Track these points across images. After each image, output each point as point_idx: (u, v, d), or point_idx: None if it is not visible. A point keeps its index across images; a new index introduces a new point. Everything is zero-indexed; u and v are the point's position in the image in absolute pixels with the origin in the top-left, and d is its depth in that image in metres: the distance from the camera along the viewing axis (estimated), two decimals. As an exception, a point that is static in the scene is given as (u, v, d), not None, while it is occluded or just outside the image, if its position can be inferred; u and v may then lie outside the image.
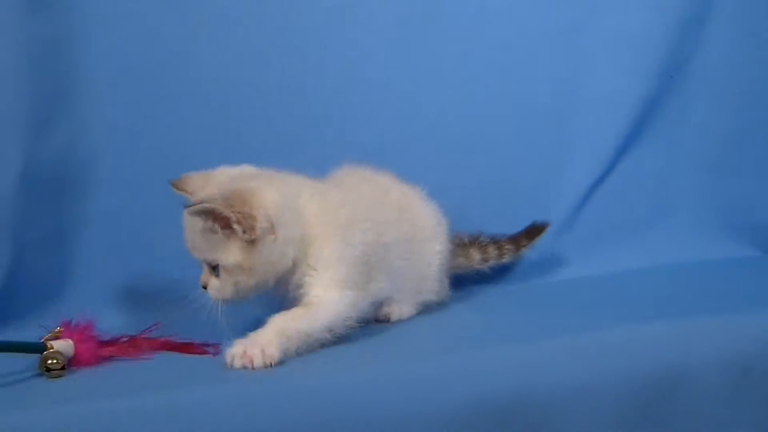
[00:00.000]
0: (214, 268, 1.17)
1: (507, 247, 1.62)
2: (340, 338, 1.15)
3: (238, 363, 1.03)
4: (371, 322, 1.28)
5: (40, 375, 1.05)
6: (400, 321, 1.33)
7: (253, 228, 1.11)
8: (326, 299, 1.15)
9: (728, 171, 1.94)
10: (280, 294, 1.21)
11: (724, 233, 1.92)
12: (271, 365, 1.03)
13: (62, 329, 1.14)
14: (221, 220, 1.11)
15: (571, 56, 1.83)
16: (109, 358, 1.14)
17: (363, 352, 1.12)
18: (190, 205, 1.13)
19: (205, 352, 1.17)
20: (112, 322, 1.40)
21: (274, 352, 1.04)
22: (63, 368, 1.06)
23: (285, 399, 0.91)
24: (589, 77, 1.84)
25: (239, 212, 1.10)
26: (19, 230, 1.43)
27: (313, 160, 1.35)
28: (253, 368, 1.03)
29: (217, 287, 1.17)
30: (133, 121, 1.53)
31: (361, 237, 1.20)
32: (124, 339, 1.19)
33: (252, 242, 1.12)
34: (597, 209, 1.84)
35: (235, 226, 1.11)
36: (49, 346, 1.08)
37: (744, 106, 1.94)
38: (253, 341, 1.06)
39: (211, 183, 1.19)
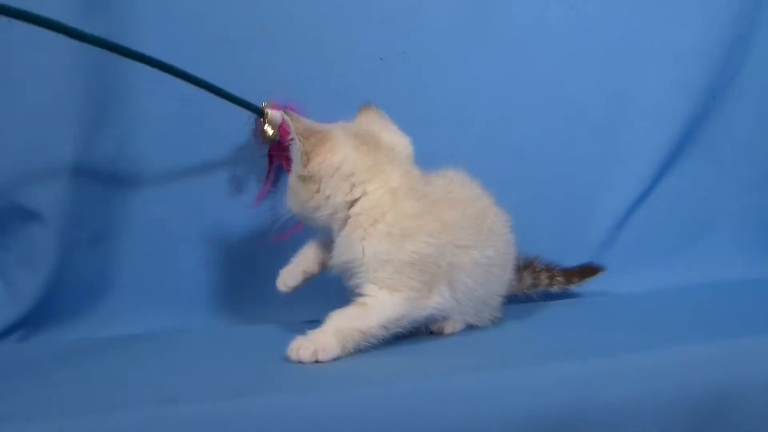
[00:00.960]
0: None
1: (558, 278, 1.62)
2: (398, 341, 1.18)
3: (294, 356, 1.09)
4: (423, 332, 1.29)
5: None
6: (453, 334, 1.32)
7: (305, 166, 1.19)
8: (379, 300, 1.17)
9: (769, 191, 1.95)
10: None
11: (765, 252, 1.92)
12: (323, 361, 1.09)
13: (273, 103, 1.40)
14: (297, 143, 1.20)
15: (621, 71, 1.84)
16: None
17: (418, 363, 1.13)
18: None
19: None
20: (155, 322, 1.48)
21: (330, 350, 1.10)
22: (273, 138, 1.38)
23: (340, 408, 0.92)
24: (638, 93, 1.85)
25: (305, 146, 1.19)
26: (68, 230, 1.45)
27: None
28: (315, 361, 1.08)
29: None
30: (183, 125, 1.54)
31: (418, 247, 1.18)
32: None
33: (301, 177, 1.21)
34: (640, 224, 1.85)
35: (299, 153, 1.20)
36: (266, 111, 1.38)
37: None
38: (311, 339, 1.11)
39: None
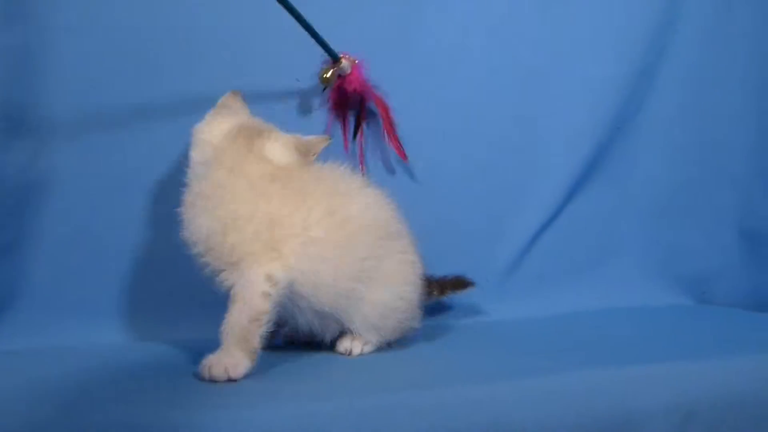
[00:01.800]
0: None
1: (434, 291, 1.57)
2: (307, 363, 1.21)
3: (206, 375, 1.10)
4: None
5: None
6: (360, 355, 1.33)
7: None
8: (242, 286, 1.19)
9: (671, 219, 2.03)
10: None
11: (663, 280, 2.00)
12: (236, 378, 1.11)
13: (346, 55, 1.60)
14: None
15: (535, 98, 1.89)
16: (365, 90, 1.64)
17: (324, 384, 1.14)
18: None
19: (399, 150, 1.68)
20: (63, 336, 1.44)
21: (240, 365, 1.12)
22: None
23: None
24: (549, 120, 1.89)
25: None
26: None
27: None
28: (228, 379, 1.10)
29: None
30: (97, 137, 1.53)
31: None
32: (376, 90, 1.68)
33: None
34: (546, 249, 1.88)
35: None
36: (341, 58, 1.59)
37: (690, 157, 2.03)
38: (219, 357, 1.13)
39: None
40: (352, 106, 1.69)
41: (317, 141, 1.38)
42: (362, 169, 1.69)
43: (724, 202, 2.04)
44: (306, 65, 1.64)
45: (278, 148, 1.32)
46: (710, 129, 2.04)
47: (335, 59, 1.59)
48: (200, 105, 1.44)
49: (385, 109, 1.69)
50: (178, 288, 1.45)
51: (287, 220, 1.23)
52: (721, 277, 2.02)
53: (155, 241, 1.55)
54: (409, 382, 1.13)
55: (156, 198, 1.55)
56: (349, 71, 1.62)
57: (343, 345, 1.33)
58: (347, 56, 1.61)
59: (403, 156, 1.72)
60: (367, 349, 1.34)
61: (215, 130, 1.34)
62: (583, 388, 1.09)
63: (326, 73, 1.61)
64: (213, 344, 1.14)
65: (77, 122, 1.51)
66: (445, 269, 1.61)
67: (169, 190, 1.48)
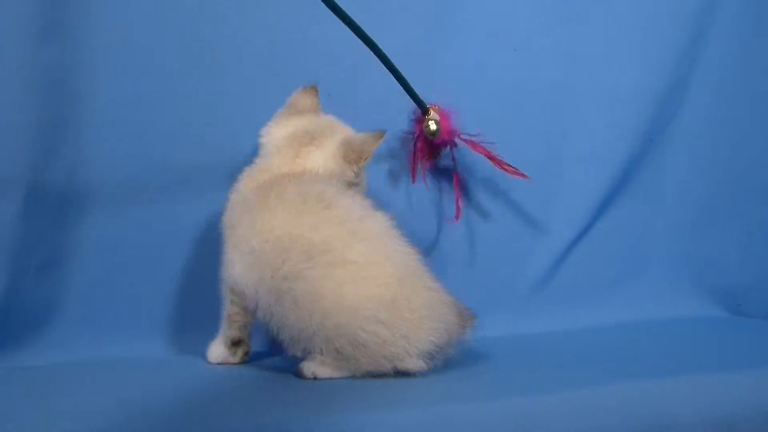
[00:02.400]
0: None
1: None
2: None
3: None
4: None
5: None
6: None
7: None
8: None
9: (703, 232, 2.01)
10: None
11: (696, 292, 1.98)
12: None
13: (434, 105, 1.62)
14: None
15: (561, 113, 1.88)
16: (456, 137, 1.66)
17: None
18: None
19: (520, 174, 1.67)
20: (103, 350, 1.45)
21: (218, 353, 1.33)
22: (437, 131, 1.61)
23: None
24: (577, 134, 1.89)
25: None
26: (17, 256, 1.44)
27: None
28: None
29: None
30: (134, 153, 1.55)
31: None
32: (465, 135, 1.67)
33: None
34: (577, 263, 1.88)
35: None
36: (431, 110, 1.61)
37: (722, 170, 2.01)
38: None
39: None
40: (437, 153, 1.70)
41: (370, 140, 1.35)
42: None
43: (757, 215, 2.02)
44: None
45: (320, 157, 1.31)
46: (742, 142, 2.02)
47: (425, 111, 1.60)
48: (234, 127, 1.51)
49: (484, 150, 1.68)
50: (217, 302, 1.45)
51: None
52: (756, 290, 1.99)
53: (194, 257, 1.57)
54: (442, 396, 1.14)
55: (195, 212, 1.57)
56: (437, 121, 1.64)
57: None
58: (436, 106, 1.63)
59: (523, 175, 1.71)
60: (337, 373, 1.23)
61: (275, 132, 1.37)
62: (620, 399, 1.09)
63: (429, 125, 1.63)
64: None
65: (115, 138, 1.53)
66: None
67: (209, 203, 1.52)
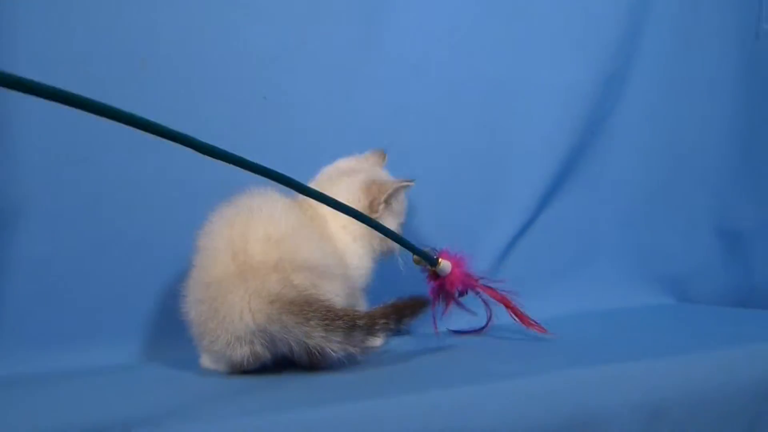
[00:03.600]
0: None
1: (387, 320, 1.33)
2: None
3: None
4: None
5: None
6: None
7: None
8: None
9: (649, 221, 2.06)
10: None
11: (642, 282, 2.02)
12: None
13: (444, 253, 1.45)
14: None
15: (503, 109, 1.90)
16: (470, 287, 1.48)
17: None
18: None
19: (539, 328, 1.47)
20: (35, 366, 1.42)
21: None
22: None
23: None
24: (520, 129, 1.91)
25: None
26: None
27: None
28: None
29: None
30: (66, 167, 1.52)
31: None
32: (483, 280, 1.50)
33: None
34: (522, 255, 1.90)
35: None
36: (440, 261, 1.42)
37: (664, 160, 2.06)
38: None
39: None
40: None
41: (394, 182, 1.46)
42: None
43: (700, 203, 2.06)
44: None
45: (347, 185, 1.45)
46: (683, 131, 2.06)
47: (433, 264, 1.45)
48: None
49: (504, 299, 1.52)
50: (157, 309, 1.44)
51: None
52: (700, 277, 2.04)
53: (128, 264, 1.55)
54: (375, 387, 1.14)
55: (131, 220, 1.55)
56: (448, 271, 1.46)
57: None
58: (446, 254, 1.47)
59: (544, 330, 1.52)
60: None
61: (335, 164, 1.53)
62: (549, 389, 1.10)
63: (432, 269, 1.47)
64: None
65: (49, 147, 1.51)
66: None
67: (143, 210, 1.54)
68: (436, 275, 1.46)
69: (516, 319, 1.49)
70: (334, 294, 1.25)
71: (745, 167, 2.03)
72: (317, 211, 1.40)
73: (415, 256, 1.43)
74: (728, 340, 1.39)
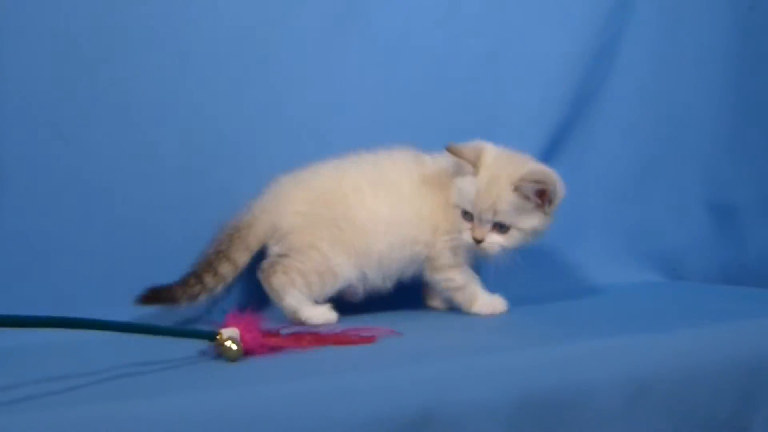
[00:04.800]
0: (501, 227, 1.41)
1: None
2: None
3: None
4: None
5: (218, 358, 1.14)
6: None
7: (555, 204, 1.42)
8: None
9: (638, 198, 2.03)
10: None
11: (631, 259, 2.00)
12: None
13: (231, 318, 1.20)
14: (543, 194, 1.39)
15: (488, 83, 1.87)
16: (274, 348, 1.19)
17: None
18: (531, 180, 1.38)
19: (364, 341, 1.24)
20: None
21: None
22: (239, 351, 1.13)
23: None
24: (506, 104, 1.88)
25: (552, 190, 1.39)
26: None
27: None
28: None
29: (502, 241, 1.42)
30: (46, 140, 1.50)
31: None
32: (288, 331, 1.26)
33: (547, 215, 1.42)
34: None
35: (546, 201, 1.40)
36: (220, 333, 1.14)
37: (653, 135, 2.03)
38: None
39: (502, 158, 1.45)
40: None
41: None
42: None
43: (691, 177, 2.04)
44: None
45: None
46: (673, 105, 2.04)
47: (212, 340, 1.16)
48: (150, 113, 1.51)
49: (315, 340, 1.26)
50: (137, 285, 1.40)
51: None
52: (691, 253, 2.03)
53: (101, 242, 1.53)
54: (354, 364, 1.11)
55: (103, 199, 1.53)
56: (237, 337, 1.17)
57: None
58: (233, 318, 1.21)
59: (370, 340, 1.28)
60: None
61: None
62: (532, 364, 1.09)
63: (228, 349, 1.15)
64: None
65: (27, 123, 1.49)
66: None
67: (117, 190, 1.52)
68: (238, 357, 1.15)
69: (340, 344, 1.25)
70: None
71: (736, 140, 2.01)
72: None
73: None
74: (717, 317, 1.37)
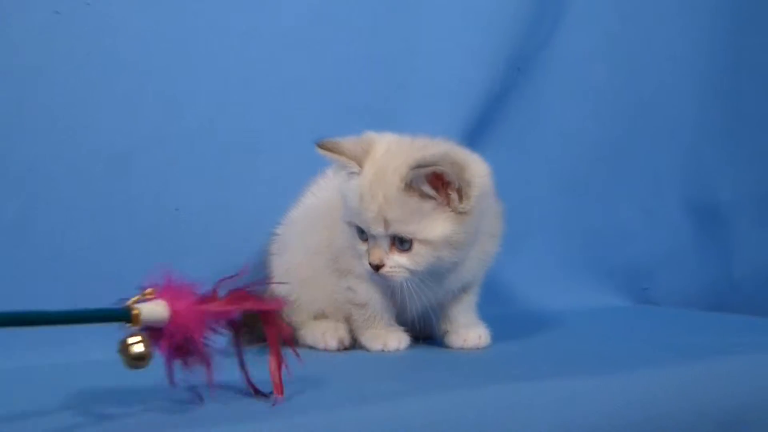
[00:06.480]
0: (402, 242, 1.13)
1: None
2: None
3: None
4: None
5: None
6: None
7: (471, 197, 1.11)
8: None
9: (595, 192, 1.77)
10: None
11: (590, 273, 1.73)
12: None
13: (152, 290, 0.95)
14: (442, 183, 1.10)
15: (406, 35, 1.61)
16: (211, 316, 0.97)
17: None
18: (418, 166, 1.08)
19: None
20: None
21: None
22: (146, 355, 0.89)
23: None
24: (425, 62, 1.62)
25: (455, 174, 1.09)
26: None
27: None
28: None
29: (405, 263, 1.12)
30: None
31: None
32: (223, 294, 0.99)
33: (461, 213, 1.12)
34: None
35: (452, 193, 1.10)
36: (135, 311, 0.91)
37: (617, 109, 1.77)
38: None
39: (396, 148, 1.16)
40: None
41: None
42: None
43: (666, 167, 1.81)
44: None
45: None
46: (645, 73, 1.78)
47: (127, 320, 0.93)
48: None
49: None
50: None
51: None
52: (666, 267, 1.79)
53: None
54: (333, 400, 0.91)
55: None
56: (166, 316, 0.95)
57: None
58: (156, 290, 0.99)
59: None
60: None
61: None
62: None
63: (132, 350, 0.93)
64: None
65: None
66: None
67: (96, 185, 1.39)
68: (153, 331, 0.93)
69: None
70: None
71: (724, 129, 1.81)
72: None
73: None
74: (687, 353, 1.19)
